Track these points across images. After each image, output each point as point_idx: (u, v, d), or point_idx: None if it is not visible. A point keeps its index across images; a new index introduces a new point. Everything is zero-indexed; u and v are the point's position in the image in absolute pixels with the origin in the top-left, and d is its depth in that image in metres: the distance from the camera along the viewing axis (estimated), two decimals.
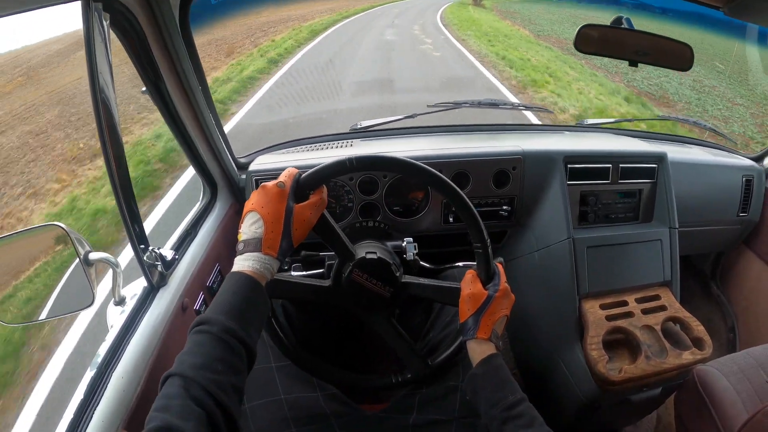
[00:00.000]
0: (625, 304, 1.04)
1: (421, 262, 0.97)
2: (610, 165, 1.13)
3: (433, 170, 0.67)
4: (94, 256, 0.69)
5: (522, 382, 1.34)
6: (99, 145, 0.64)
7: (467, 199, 0.69)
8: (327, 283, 0.76)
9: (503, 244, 1.25)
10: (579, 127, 1.51)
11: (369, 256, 0.73)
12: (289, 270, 0.97)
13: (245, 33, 9.09)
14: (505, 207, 1.14)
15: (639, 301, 1.06)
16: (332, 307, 0.84)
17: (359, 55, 7.74)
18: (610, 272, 1.07)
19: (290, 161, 1.13)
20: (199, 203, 1.09)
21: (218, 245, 1.03)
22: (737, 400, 0.89)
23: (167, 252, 0.86)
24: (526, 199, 1.14)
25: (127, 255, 2.28)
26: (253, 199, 0.63)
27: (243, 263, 0.60)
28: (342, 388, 0.83)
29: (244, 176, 1.12)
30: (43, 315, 0.73)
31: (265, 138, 3.69)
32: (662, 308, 1.05)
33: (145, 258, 0.77)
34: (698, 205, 1.30)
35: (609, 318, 1.01)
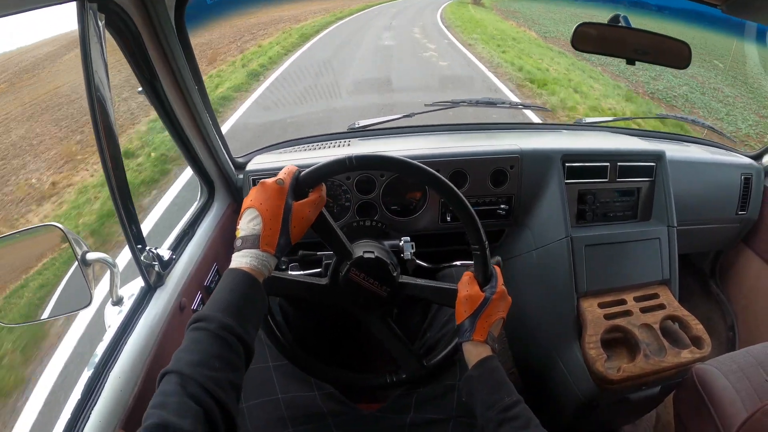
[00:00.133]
0: (623, 302, 1.04)
1: (419, 261, 0.97)
2: (608, 163, 1.12)
3: (433, 171, 0.67)
4: (91, 256, 0.70)
5: (520, 381, 1.34)
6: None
7: (467, 202, 0.69)
8: (324, 281, 0.76)
9: (501, 243, 1.25)
10: (577, 125, 1.51)
11: (366, 255, 0.73)
12: (286, 269, 0.97)
13: (233, 36, 8.43)
14: (502, 206, 1.14)
15: (637, 299, 1.05)
16: (329, 306, 0.84)
17: (354, 64, 6.74)
18: (608, 271, 1.07)
19: (288, 161, 1.13)
20: (196, 203, 1.09)
21: (216, 245, 1.03)
22: (736, 399, 0.89)
23: (164, 252, 0.86)
24: (524, 197, 1.14)
25: (125, 255, 2.28)
26: (252, 196, 0.63)
27: (241, 260, 0.59)
28: (338, 387, 0.83)
29: (241, 176, 1.12)
30: (44, 315, 0.73)
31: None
32: (661, 307, 1.05)
33: (142, 258, 0.77)
34: (697, 204, 1.30)
35: (607, 317, 1.01)
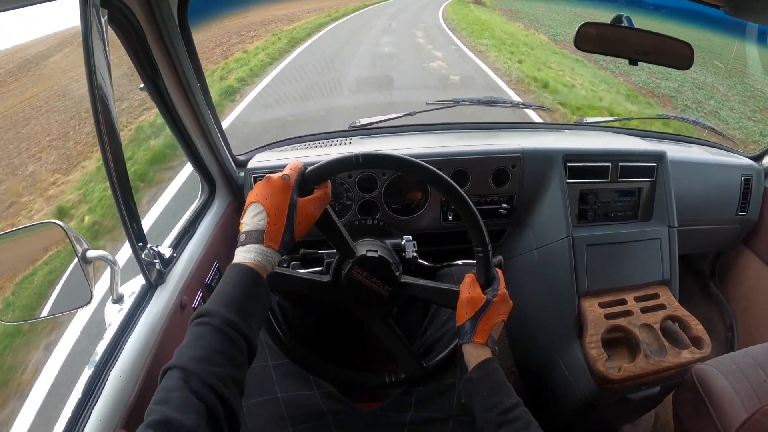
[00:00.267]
0: (624, 302, 1.04)
1: (420, 260, 0.97)
2: (609, 163, 1.12)
3: (439, 172, 0.67)
4: (91, 254, 0.69)
5: (521, 380, 1.34)
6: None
7: (472, 205, 0.69)
8: (326, 278, 0.76)
9: (502, 242, 1.25)
10: (579, 125, 1.51)
11: (370, 254, 0.73)
12: (288, 267, 0.97)
13: (221, 38, 7.62)
14: (504, 205, 1.14)
15: (638, 299, 1.06)
16: (329, 304, 0.84)
17: (348, 78, 5.44)
18: (609, 271, 1.07)
19: (289, 158, 1.13)
20: (197, 201, 1.08)
21: (216, 243, 1.03)
22: (736, 399, 0.89)
23: (165, 250, 0.86)
24: (525, 197, 1.14)
25: (125, 253, 2.27)
26: (257, 191, 0.62)
27: (245, 255, 0.59)
28: (337, 385, 0.83)
29: (242, 174, 1.12)
30: (43, 313, 0.73)
31: None
32: (661, 307, 1.05)
33: (143, 256, 0.77)
34: (697, 204, 1.30)
35: (608, 316, 1.01)
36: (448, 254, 1.08)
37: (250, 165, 1.10)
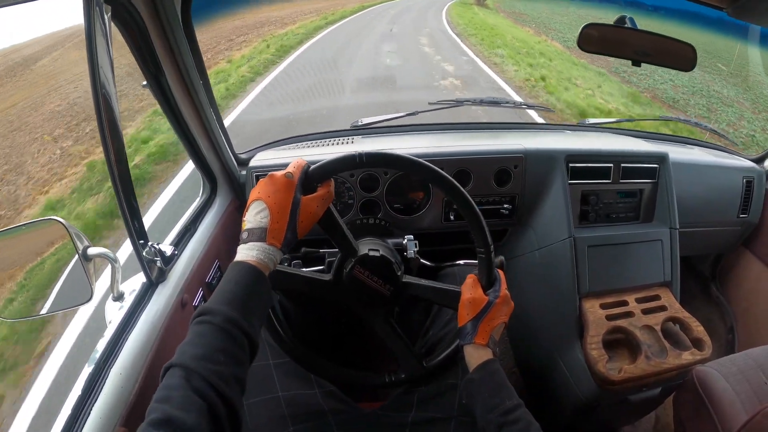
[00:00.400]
0: (625, 303, 1.04)
1: (422, 260, 0.97)
2: (611, 165, 1.12)
3: (442, 172, 0.67)
4: (92, 251, 0.69)
5: (521, 380, 1.34)
6: None
7: (475, 206, 0.68)
8: (328, 277, 0.75)
9: (504, 242, 1.25)
10: (581, 126, 1.51)
11: (372, 253, 0.73)
12: (289, 266, 0.97)
13: (211, 43, 7.11)
14: (506, 205, 1.14)
15: (639, 301, 1.05)
16: (331, 303, 0.84)
17: (342, 101, 4.60)
18: (610, 272, 1.07)
19: (291, 157, 1.12)
20: (198, 199, 1.08)
21: (218, 241, 1.03)
22: (736, 401, 0.89)
23: (166, 247, 0.86)
24: (527, 197, 1.13)
25: (125, 250, 2.27)
26: (260, 188, 0.62)
27: (247, 252, 0.58)
28: (338, 384, 0.83)
29: (244, 172, 1.12)
30: (44, 310, 0.73)
31: None
32: (662, 308, 1.05)
33: (144, 253, 0.77)
34: (699, 206, 1.30)
35: (609, 317, 1.01)
36: (450, 254, 1.08)
37: (252, 163, 1.10)
